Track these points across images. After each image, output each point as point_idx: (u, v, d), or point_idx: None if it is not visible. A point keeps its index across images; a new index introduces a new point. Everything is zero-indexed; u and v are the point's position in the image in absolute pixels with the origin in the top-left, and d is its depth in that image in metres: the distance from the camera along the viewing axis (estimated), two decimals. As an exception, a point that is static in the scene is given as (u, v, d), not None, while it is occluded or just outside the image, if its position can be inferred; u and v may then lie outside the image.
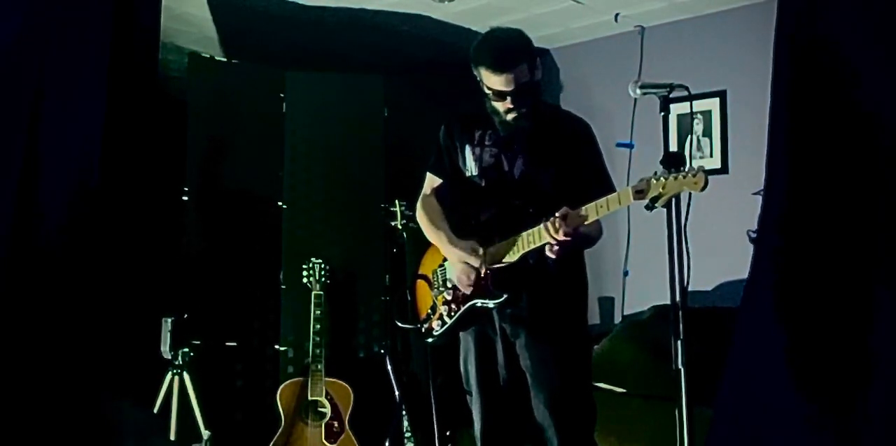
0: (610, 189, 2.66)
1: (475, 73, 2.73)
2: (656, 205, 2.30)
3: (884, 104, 2.28)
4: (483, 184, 2.83)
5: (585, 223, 2.50)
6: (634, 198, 2.35)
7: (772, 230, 2.43)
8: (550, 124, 2.81)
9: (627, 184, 2.42)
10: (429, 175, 3.01)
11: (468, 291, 2.75)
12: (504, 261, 2.70)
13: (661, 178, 2.28)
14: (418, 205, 3.02)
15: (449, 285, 2.84)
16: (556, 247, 2.54)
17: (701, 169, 2.22)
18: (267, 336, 4.56)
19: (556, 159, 2.75)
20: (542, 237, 2.56)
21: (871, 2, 2.36)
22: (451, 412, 3.41)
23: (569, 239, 2.49)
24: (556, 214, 2.49)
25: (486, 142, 2.84)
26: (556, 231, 2.48)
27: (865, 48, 2.33)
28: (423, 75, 5.18)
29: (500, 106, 2.72)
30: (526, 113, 2.72)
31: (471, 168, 2.86)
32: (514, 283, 2.70)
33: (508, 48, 2.69)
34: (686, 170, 2.25)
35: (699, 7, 4.62)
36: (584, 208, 2.49)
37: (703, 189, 2.21)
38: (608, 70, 5.07)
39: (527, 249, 2.64)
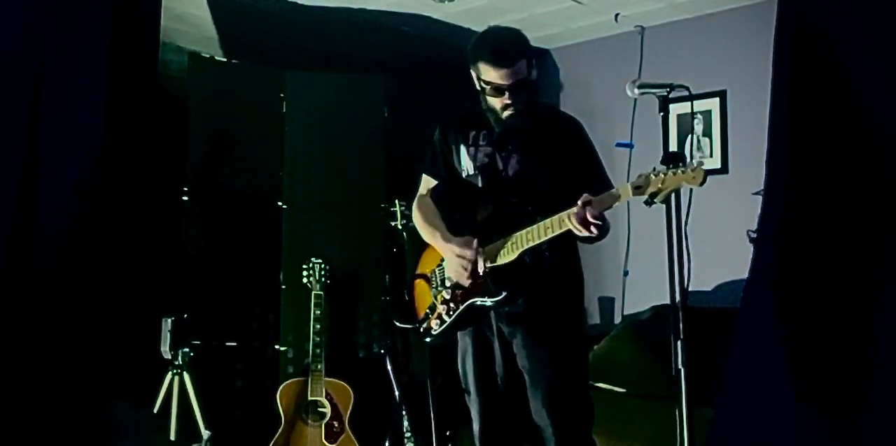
0: (607, 184, 2.67)
1: (472, 70, 2.74)
2: (655, 200, 2.30)
3: (884, 104, 2.28)
4: (479, 184, 2.84)
5: (615, 204, 2.46)
6: (633, 194, 2.36)
7: (772, 230, 2.43)
8: (544, 122, 2.82)
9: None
10: (424, 176, 3.03)
11: (468, 283, 2.75)
12: (502, 259, 2.70)
13: (660, 174, 2.29)
14: (414, 205, 3.03)
15: (447, 284, 2.84)
16: (584, 231, 2.50)
17: (700, 164, 2.23)
18: (267, 336, 4.56)
19: (551, 157, 2.76)
20: (537, 237, 2.56)
21: (870, 2, 2.36)
22: (451, 412, 3.41)
23: (599, 222, 2.47)
24: (580, 201, 2.46)
25: (481, 142, 2.85)
26: (586, 214, 2.45)
27: (865, 48, 2.33)
28: (423, 75, 5.18)
29: (498, 102, 2.72)
30: (522, 110, 2.73)
31: (467, 168, 2.87)
32: (513, 282, 2.70)
33: (509, 43, 2.71)
34: (685, 165, 2.25)
35: (699, 7, 4.62)
36: (614, 190, 2.48)
37: (702, 184, 2.22)
38: (608, 70, 5.07)
39: (524, 247, 2.64)
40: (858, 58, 2.33)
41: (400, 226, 4.00)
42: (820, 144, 2.36)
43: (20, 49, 2.81)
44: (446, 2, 4.47)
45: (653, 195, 2.30)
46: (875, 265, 2.26)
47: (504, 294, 2.68)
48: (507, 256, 2.69)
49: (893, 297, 2.22)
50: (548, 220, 2.58)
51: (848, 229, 2.31)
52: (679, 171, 2.25)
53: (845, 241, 2.31)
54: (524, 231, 2.63)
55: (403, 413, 3.97)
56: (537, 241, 2.60)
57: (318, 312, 4.21)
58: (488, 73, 2.68)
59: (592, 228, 2.49)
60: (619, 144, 4.55)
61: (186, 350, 4.05)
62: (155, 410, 3.94)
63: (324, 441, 4.10)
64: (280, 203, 4.59)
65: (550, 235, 2.58)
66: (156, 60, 3.28)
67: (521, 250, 2.66)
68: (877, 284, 2.24)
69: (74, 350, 2.82)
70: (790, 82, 2.41)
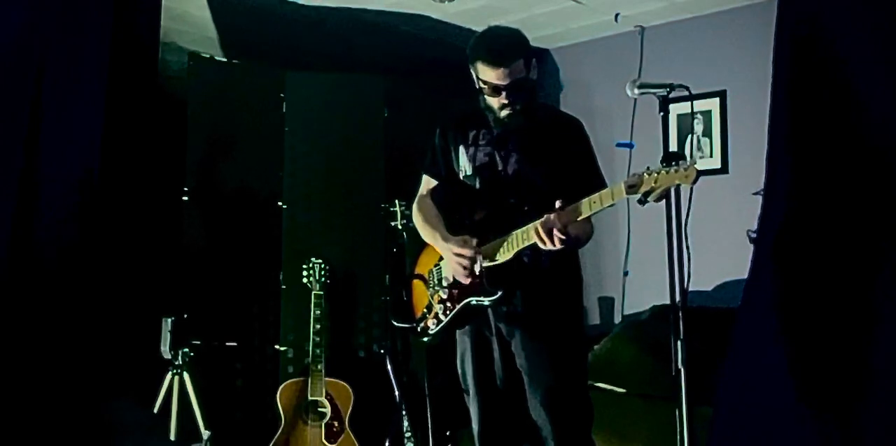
0: (602, 186, 2.67)
1: (471, 69, 2.75)
2: (648, 199, 2.31)
3: (884, 104, 2.28)
4: (478, 184, 2.85)
5: (577, 219, 2.50)
6: (627, 193, 2.36)
7: (772, 230, 2.43)
8: (543, 122, 2.82)
9: (624, 182, 2.42)
10: (424, 176, 3.04)
11: (467, 282, 2.75)
12: (498, 258, 2.70)
13: (654, 173, 2.29)
14: (414, 206, 3.05)
15: (444, 284, 2.85)
16: (548, 244, 2.53)
17: (692, 162, 2.23)
18: (267, 336, 4.56)
19: (549, 157, 2.76)
20: (533, 235, 2.56)
21: (870, 2, 2.36)
22: (451, 412, 3.41)
23: (563, 236, 2.49)
24: (542, 218, 2.50)
25: (481, 142, 2.86)
26: (549, 231, 2.48)
27: (865, 48, 2.33)
28: (423, 75, 5.18)
29: (495, 102, 2.73)
30: (520, 110, 2.74)
31: (466, 168, 2.87)
32: (509, 281, 2.70)
33: (505, 43, 2.72)
34: (678, 164, 2.26)
35: (699, 7, 4.62)
36: (576, 204, 2.49)
37: (695, 182, 2.22)
38: (608, 70, 5.07)
39: (520, 247, 2.64)
40: (858, 57, 2.33)
41: (400, 226, 4.01)
42: (820, 144, 2.36)
43: (20, 49, 2.81)
44: (446, 2, 4.47)
45: (646, 194, 2.31)
46: (875, 264, 2.26)
47: (499, 293, 2.68)
48: (503, 255, 2.69)
49: (893, 297, 2.21)
50: (528, 226, 2.58)
51: (848, 229, 2.31)
52: (672, 170, 2.26)
53: (845, 241, 2.31)
54: (520, 230, 2.64)
55: (403, 413, 3.97)
56: (531, 241, 2.60)
57: (318, 312, 4.21)
58: (485, 73, 2.69)
59: (556, 241, 2.49)
60: (619, 144, 4.54)
61: (186, 350, 4.05)
62: (155, 410, 3.94)
63: (324, 441, 4.10)
64: (280, 203, 4.60)
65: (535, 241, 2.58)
66: (156, 60, 3.28)
67: (516, 249, 2.66)
68: (877, 283, 2.24)
69: (75, 350, 2.82)
70: (790, 82, 2.41)
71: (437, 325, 2.85)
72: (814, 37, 2.39)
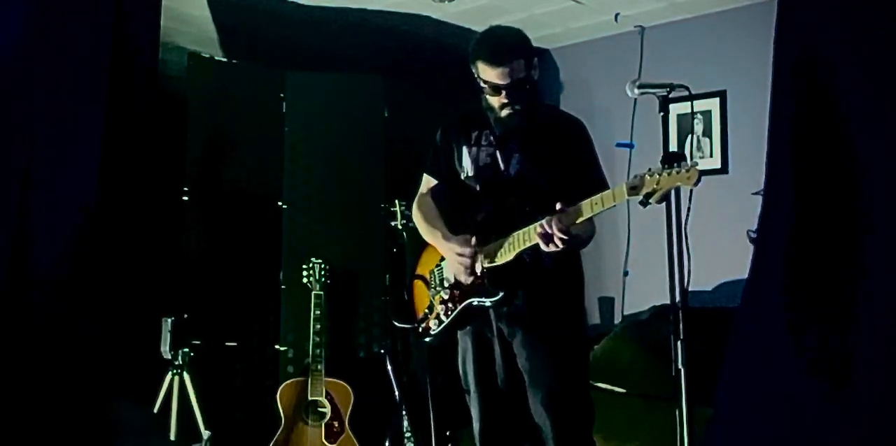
0: (604, 187, 2.67)
1: (473, 68, 2.75)
2: (650, 201, 2.30)
3: (882, 104, 2.28)
4: (479, 184, 2.84)
5: (578, 221, 2.50)
6: (629, 195, 2.36)
7: (772, 230, 2.43)
8: (546, 123, 2.82)
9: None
10: (425, 176, 3.04)
11: (468, 281, 2.75)
12: (500, 259, 2.70)
13: (655, 174, 2.29)
14: (415, 205, 3.04)
15: (446, 284, 2.85)
16: (550, 245, 2.53)
17: (694, 164, 2.23)
18: (267, 336, 4.56)
19: (552, 157, 2.76)
20: (535, 237, 2.56)
21: (868, 7, 2.37)
22: (452, 412, 3.41)
23: (564, 237, 2.49)
24: (545, 218, 2.50)
25: (483, 142, 2.85)
26: (549, 229, 2.48)
27: (863, 49, 2.34)
28: (423, 75, 5.18)
29: (496, 101, 2.73)
30: (521, 110, 2.73)
31: (468, 168, 2.87)
32: (510, 281, 2.70)
33: (506, 42, 2.72)
34: (679, 166, 2.25)
35: (699, 7, 4.63)
36: (578, 205, 2.49)
37: (697, 184, 2.21)
38: (608, 70, 5.08)
39: (521, 248, 2.64)
40: (857, 58, 2.34)
41: (400, 226, 4.00)
42: (820, 144, 2.37)
43: (19, 49, 2.81)
44: (446, 2, 4.47)
45: (648, 195, 2.30)
46: (874, 264, 2.26)
47: (501, 294, 2.68)
48: (505, 256, 2.69)
49: (892, 296, 2.22)
50: (530, 227, 2.58)
51: (847, 229, 2.31)
52: (674, 172, 2.25)
53: (845, 241, 2.31)
54: (521, 231, 2.63)
55: (403, 413, 3.97)
56: (533, 242, 2.60)
57: (318, 312, 4.21)
58: (486, 72, 2.69)
59: (558, 242, 2.49)
60: (619, 144, 4.55)
61: (186, 350, 4.05)
62: (155, 410, 3.94)
63: (324, 441, 4.10)
64: (280, 203, 4.60)
65: (536, 242, 2.57)
66: (156, 60, 3.28)
67: (518, 250, 2.66)
68: (876, 283, 2.24)
69: (75, 349, 2.82)
70: (790, 83, 2.42)
71: (439, 326, 2.85)
72: (813, 39, 2.39)
